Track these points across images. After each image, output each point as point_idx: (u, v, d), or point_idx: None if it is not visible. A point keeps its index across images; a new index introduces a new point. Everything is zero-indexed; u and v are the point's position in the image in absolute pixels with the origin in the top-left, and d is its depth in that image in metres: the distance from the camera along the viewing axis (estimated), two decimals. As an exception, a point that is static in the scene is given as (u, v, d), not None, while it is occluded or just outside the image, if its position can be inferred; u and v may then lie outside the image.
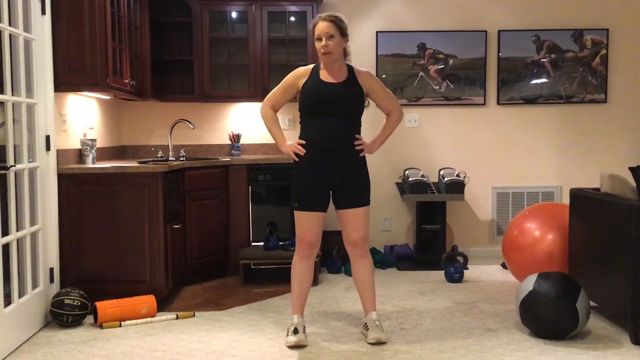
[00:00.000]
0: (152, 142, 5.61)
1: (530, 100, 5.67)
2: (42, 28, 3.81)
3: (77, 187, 4.02)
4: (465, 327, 3.72)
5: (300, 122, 3.54)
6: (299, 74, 3.52)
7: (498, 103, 5.67)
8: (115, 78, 4.24)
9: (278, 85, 3.58)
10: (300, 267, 3.54)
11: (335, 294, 4.49)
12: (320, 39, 3.37)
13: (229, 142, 5.59)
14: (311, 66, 3.54)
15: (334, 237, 4.92)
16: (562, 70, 5.65)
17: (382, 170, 5.49)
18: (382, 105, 3.59)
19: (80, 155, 4.37)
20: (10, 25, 3.45)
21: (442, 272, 4.94)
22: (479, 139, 5.69)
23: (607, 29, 5.62)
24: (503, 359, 3.20)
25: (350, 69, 3.49)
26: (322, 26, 3.36)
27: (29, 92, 3.70)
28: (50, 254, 3.91)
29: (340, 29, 3.38)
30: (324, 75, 3.45)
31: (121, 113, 5.57)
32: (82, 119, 4.53)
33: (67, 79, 3.98)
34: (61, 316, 3.71)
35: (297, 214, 3.49)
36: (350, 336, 3.57)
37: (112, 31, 4.15)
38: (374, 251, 5.21)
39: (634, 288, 3.34)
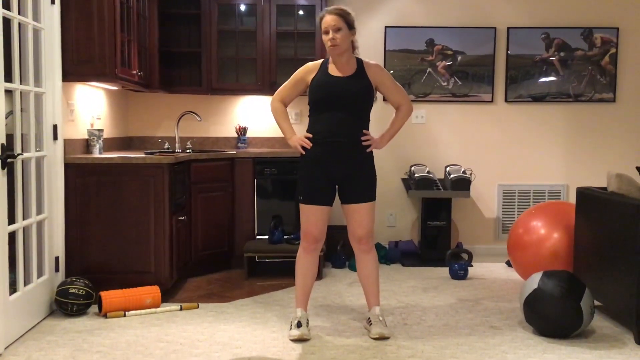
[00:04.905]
0: (158, 133, 5.62)
1: (538, 98, 5.65)
2: (51, 17, 3.82)
3: (83, 177, 4.03)
4: (468, 324, 3.72)
5: (309, 116, 3.54)
6: (309, 69, 3.51)
7: (506, 100, 5.65)
8: (123, 69, 4.25)
9: (288, 80, 3.59)
10: (305, 260, 3.54)
11: (339, 288, 4.49)
12: (327, 32, 3.36)
13: (236, 135, 5.59)
14: (320, 61, 3.54)
15: (339, 232, 4.91)
16: (571, 68, 5.62)
17: (388, 166, 5.49)
18: (391, 99, 3.58)
19: (87, 145, 4.38)
20: (19, 14, 3.45)
21: (447, 268, 4.93)
22: (486, 136, 5.67)
23: (617, 28, 5.59)
24: (506, 357, 3.20)
25: (360, 62, 3.48)
26: (328, 19, 3.36)
27: (37, 81, 3.71)
28: (55, 243, 3.93)
29: (347, 21, 3.37)
30: (333, 70, 3.45)
31: (128, 104, 5.58)
32: (89, 109, 4.54)
33: (75, 69, 3.99)
34: (66, 305, 3.73)
35: (303, 208, 3.49)
36: (354, 330, 3.57)
37: (120, 22, 4.16)
38: (378, 247, 5.21)
39: (639, 288, 3.33)
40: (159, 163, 4.09)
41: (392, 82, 3.55)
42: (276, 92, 3.61)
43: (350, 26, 3.40)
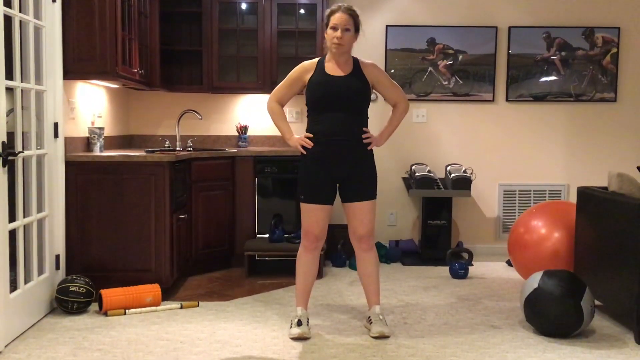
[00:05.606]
0: (159, 132, 5.62)
1: (539, 98, 5.64)
2: (53, 15, 3.81)
3: (84, 175, 4.03)
4: (469, 323, 3.72)
5: (307, 116, 3.54)
6: (305, 68, 3.51)
7: (507, 100, 5.64)
8: (124, 67, 4.25)
9: (284, 80, 3.58)
10: (306, 259, 3.55)
11: (340, 287, 4.49)
12: (335, 29, 3.35)
13: (236, 134, 5.59)
14: (316, 60, 3.53)
15: (339, 231, 4.92)
16: (572, 68, 5.62)
17: (388, 165, 5.48)
18: (388, 97, 3.59)
19: (88, 143, 4.38)
20: (20, 11, 3.45)
21: (447, 268, 4.93)
22: (486, 135, 5.67)
23: (619, 28, 5.58)
24: (506, 356, 3.20)
25: (356, 61, 3.48)
26: (340, 17, 3.35)
27: (38, 79, 3.71)
28: (56, 240, 3.93)
29: (356, 24, 3.39)
30: (330, 69, 3.45)
31: (129, 102, 5.58)
32: (90, 107, 4.54)
33: (76, 67, 3.99)
34: (66, 303, 3.73)
35: (304, 207, 3.49)
36: (354, 329, 3.57)
37: (122, 20, 4.16)
38: (379, 246, 5.21)
39: (639, 287, 3.33)
40: (160, 161, 4.09)
41: (389, 80, 3.56)
42: (272, 92, 3.61)
43: (357, 29, 3.41)
